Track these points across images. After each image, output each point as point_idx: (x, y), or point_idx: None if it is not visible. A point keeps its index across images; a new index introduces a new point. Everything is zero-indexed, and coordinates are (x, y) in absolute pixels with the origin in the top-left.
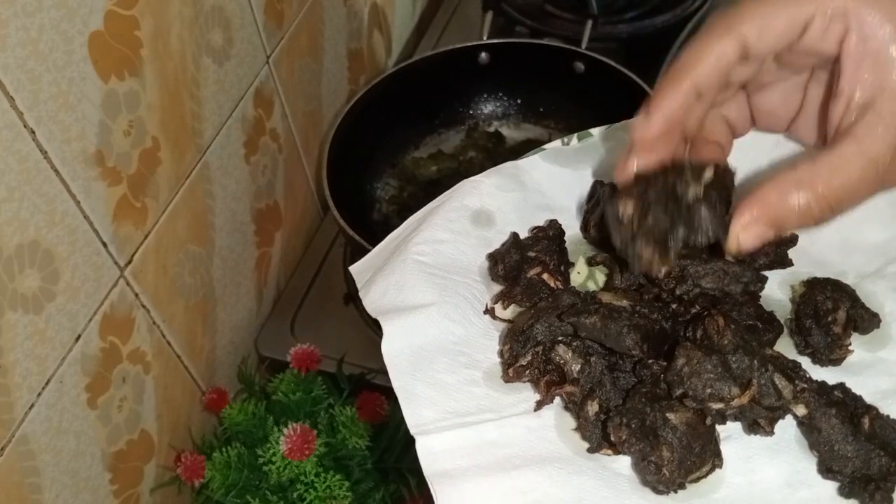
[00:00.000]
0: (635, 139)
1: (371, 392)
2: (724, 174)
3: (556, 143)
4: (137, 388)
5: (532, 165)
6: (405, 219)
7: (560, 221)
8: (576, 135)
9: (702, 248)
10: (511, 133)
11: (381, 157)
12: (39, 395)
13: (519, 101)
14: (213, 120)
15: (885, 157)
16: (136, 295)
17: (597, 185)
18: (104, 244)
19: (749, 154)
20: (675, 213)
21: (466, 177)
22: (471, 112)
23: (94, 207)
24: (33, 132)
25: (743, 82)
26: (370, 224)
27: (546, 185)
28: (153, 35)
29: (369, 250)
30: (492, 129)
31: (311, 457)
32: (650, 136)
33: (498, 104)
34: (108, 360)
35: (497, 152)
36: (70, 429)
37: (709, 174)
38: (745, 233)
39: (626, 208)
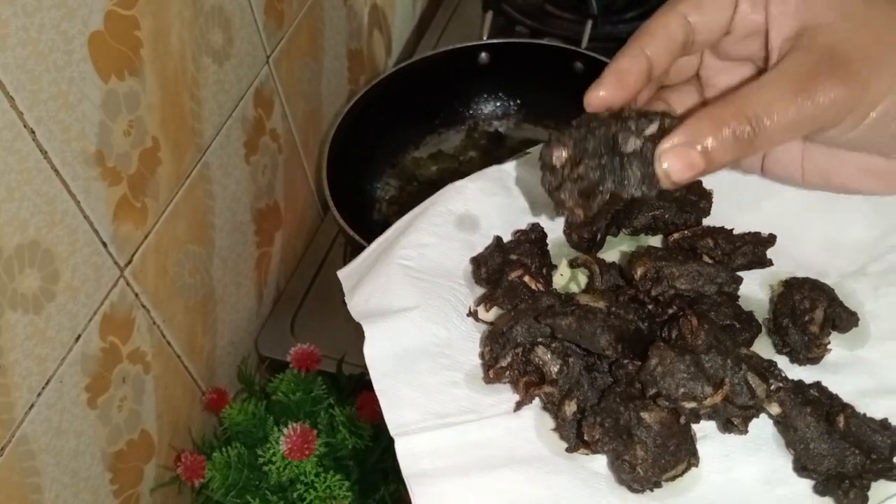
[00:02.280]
0: (586, 98)
1: (371, 392)
2: (671, 129)
3: (540, 147)
4: (137, 388)
5: (516, 170)
6: None
7: (543, 224)
8: None
9: (629, 199)
10: (511, 133)
11: (381, 157)
12: (39, 395)
13: (519, 101)
14: (213, 120)
15: (805, 81)
16: (136, 295)
17: None
18: (104, 244)
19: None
20: (608, 164)
21: (467, 176)
22: (471, 112)
23: (94, 207)
24: (33, 132)
25: (694, 71)
26: (370, 224)
27: (530, 189)
28: (153, 35)
29: None
30: (492, 129)
31: (311, 457)
32: (600, 93)
33: (498, 104)
34: (108, 360)
35: (497, 152)
36: (70, 429)
37: (652, 128)
38: (668, 157)
39: (560, 154)
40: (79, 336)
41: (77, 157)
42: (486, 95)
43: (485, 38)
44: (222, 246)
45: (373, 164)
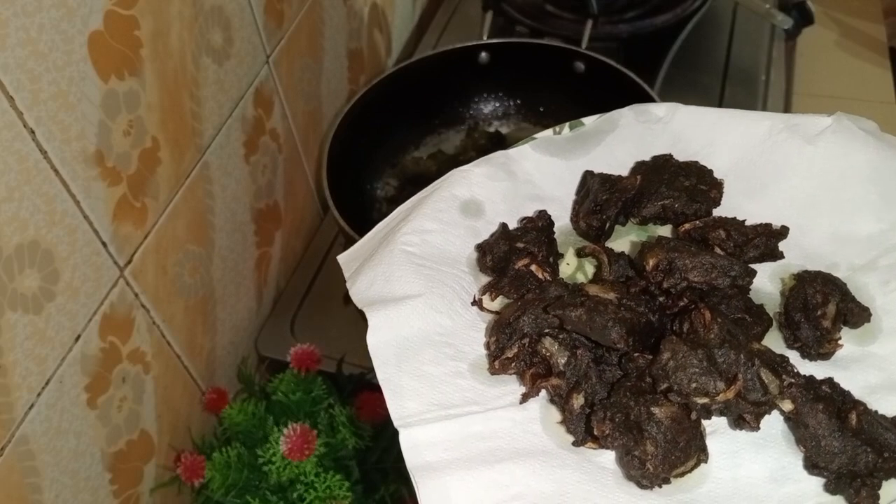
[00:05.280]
0: None
1: (371, 392)
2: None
3: (548, 133)
4: (137, 388)
5: (522, 155)
6: None
7: (550, 212)
8: (567, 124)
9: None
10: (511, 133)
11: (381, 157)
12: (39, 395)
13: (519, 101)
14: (213, 120)
15: None
16: (136, 295)
17: (587, 176)
18: (104, 244)
19: (740, 142)
20: None
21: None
22: (471, 112)
23: (94, 207)
24: (33, 132)
25: None
26: (370, 224)
27: (536, 174)
28: (153, 35)
29: None
30: (492, 129)
31: (311, 457)
32: None
33: (498, 104)
34: (107, 360)
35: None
36: (70, 429)
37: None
38: None
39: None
40: (79, 336)
41: (77, 157)
42: (486, 95)
43: (485, 38)
44: (222, 246)
45: (373, 164)
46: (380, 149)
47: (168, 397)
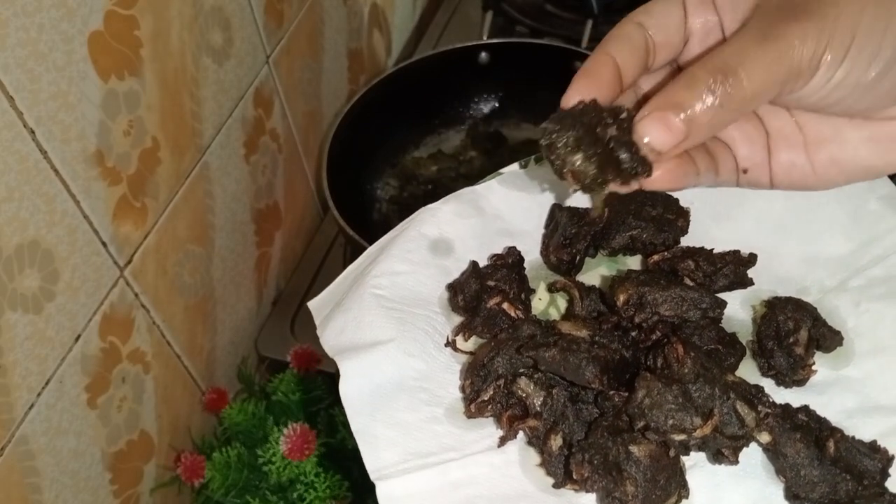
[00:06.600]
0: (562, 104)
1: None
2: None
3: (514, 167)
4: (137, 388)
5: (490, 190)
6: (405, 218)
7: (520, 247)
8: (532, 157)
9: (628, 178)
10: (511, 133)
11: (381, 157)
12: (39, 395)
13: (519, 102)
14: (213, 120)
15: (769, 28)
16: (136, 295)
17: (555, 209)
18: (104, 244)
19: None
20: (598, 157)
21: (467, 177)
22: (471, 112)
23: (94, 207)
24: (33, 132)
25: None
26: (370, 224)
27: (505, 209)
28: (153, 35)
29: None
30: (492, 129)
31: (311, 457)
32: (575, 97)
33: (498, 104)
34: (107, 360)
35: (497, 152)
36: (70, 429)
37: (625, 114)
38: (646, 126)
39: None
40: (78, 336)
41: (77, 157)
42: (486, 95)
43: (485, 38)
44: (222, 246)
45: (373, 164)
46: (380, 149)
47: (168, 397)
